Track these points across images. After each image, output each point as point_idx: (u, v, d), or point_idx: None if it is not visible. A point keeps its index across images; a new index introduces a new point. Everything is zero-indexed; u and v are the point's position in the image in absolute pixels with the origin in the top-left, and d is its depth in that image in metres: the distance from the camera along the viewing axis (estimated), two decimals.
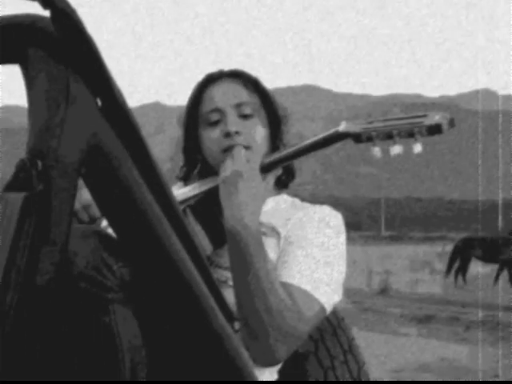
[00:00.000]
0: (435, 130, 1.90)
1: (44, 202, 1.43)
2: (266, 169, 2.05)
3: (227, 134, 2.11)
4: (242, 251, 1.91)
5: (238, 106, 2.14)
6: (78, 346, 1.68)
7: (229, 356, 1.68)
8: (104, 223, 2.08)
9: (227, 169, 2.00)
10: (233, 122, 2.11)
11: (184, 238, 1.63)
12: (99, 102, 1.52)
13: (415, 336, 12.03)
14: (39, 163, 1.43)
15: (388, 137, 1.94)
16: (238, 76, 2.19)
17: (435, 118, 1.89)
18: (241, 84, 2.17)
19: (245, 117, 2.14)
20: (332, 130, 2.02)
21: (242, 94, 2.15)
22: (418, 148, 1.93)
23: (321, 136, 2.05)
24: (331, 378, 2.23)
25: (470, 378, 8.65)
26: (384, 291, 17.28)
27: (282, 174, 2.29)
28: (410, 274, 20.16)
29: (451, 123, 1.91)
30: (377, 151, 1.96)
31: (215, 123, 2.14)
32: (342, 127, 1.99)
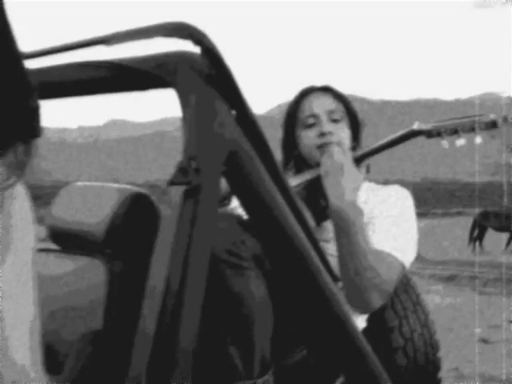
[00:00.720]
0: (492, 125, 1.95)
1: (198, 193, 1.47)
2: (357, 161, 2.09)
3: (322, 134, 2.15)
4: (345, 224, 1.94)
5: (330, 112, 2.18)
6: (220, 304, 1.72)
7: (335, 306, 1.70)
8: (232, 205, 2.12)
9: (328, 161, 2.03)
10: (326, 125, 2.15)
11: (298, 217, 1.66)
12: (235, 115, 1.55)
13: (442, 292, 11.88)
14: (193, 163, 1.47)
15: (454, 132, 1.97)
16: (327, 90, 2.23)
17: (491, 116, 1.93)
18: (331, 96, 2.21)
19: (334, 121, 2.18)
20: (407, 129, 2.06)
21: (332, 104, 2.19)
22: (478, 140, 1.98)
23: (398, 134, 2.08)
24: (405, 326, 2.24)
25: (488, 321, 8.63)
26: (416, 257, 17.10)
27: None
28: (435, 242, 19.87)
29: (505, 119, 1.95)
30: (444, 143, 2.00)
31: (311, 125, 2.18)
32: (416, 126, 2.03)
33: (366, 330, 2.08)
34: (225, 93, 1.52)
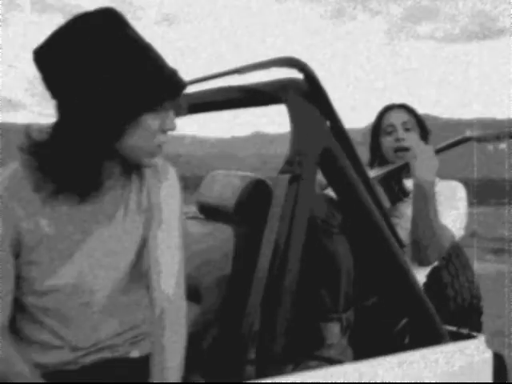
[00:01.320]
0: None
1: (299, 180, 1.49)
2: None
3: (397, 140, 2.11)
4: (424, 196, 1.95)
5: (404, 123, 2.13)
6: (315, 258, 1.72)
7: (399, 263, 1.70)
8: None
9: (418, 148, 2.00)
10: (400, 133, 2.11)
11: (374, 198, 1.65)
12: (329, 124, 1.55)
13: (493, 261, 11.26)
14: (297, 158, 1.48)
15: (497, 138, 1.89)
16: (402, 106, 2.18)
17: None
18: (405, 111, 2.17)
19: (407, 130, 2.13)
20: (462, 136, 2.00)
21: (406, 116, 2.15)
22: (502, 146, 1.92)
23: (455, 139, 2.02)
24: (455, 282, 2.19)
25: None
26: (473, 235, 16.31)
27: None
28: (488, 223, 18.75)
29: None
30: (490, 147, 1.92)
31: (390, 133, 2.14)
32: (468, 134, 1.97)
33: (425, 284, 2.07)
34: (321, 107, 1.54)
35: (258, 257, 1.47)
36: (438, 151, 2.07)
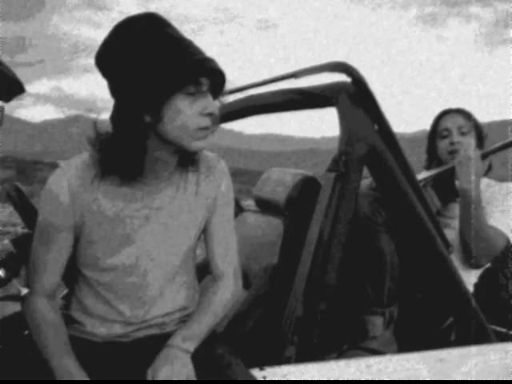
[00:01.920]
0: None
1: (345, 178, 1.57)
2: (483, 157, 2.05)
3: (452, 143, 2.14)
4: (469, 200, 1.98)
5: (459, 127, 2.16)
6: (360, 254, 1.80)
7: (445, 262, 1.73)
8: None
9: (462, 155, 2.03)
10: (455, 136, 2.14)
11: (420, 197, 1.70)
12: (376, 126, 1.63)
13: None
14: (343, 157, 1.57)
15: None
16: (459, 111, 2.21)
17: None
18: (461, 115, 2.19)
19: (463, 134, 2.15)
20: (509, 140, 2.01)
21: (462, 121, 2.17)
22: None
23: (502, 143, 2.04)
24: (510, 284, 2.17)
25: None
26: None
27: None
28: None
29: None
30: None
31: (445, 137, 2.18)
32: None
33: (476, 285, 2.06)
34: (368, 110, 1.61)
35: (303, 249, 1.59)
36: (486, 155, 2.08)
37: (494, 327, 1.92)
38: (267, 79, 1.90)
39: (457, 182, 1.97)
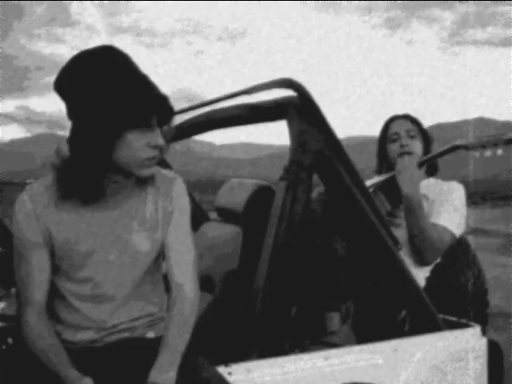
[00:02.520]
0: (509, 142, 2.00)
1: (295, 185, 1.71)
2: (420, 165, 2.20)
3: (401, 146, 2.30)
4: (412, 206, 2.15)
5: (408, 131, 2.32)
6: (315, 260, 1.93)
7: (395, 259, 1.87)
8: None
9: (400, 164, 2.19)
10: (404, 140, 2.30)
11: (368, 200, 1.84)
12: (321, 135, 1.76)
13: None
14: (293, 166, 1.71)
15: (483, 147, 2.05)
16: (407, 117, 2.38)
17: (509, 135, 2.00)
18: (409, 120, 2.36)
19: (411, 137, 2.31)
20: (452, 144, 2.17)
21: (410, 125, 2.34)
22: (499, 151, 2.04)
23: (445, 148, 2.20)
24: (462, 279, 2.37)
25: None
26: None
27: (430, 168, 2.43)
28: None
29: None
30: (477, 154, 2.08)
31: (395, 140, 2.33)
32: (458, 142, 2.13)
33: (428, 279, 2.22)
34: (314, 121, 1.74)
35: (261, 252, 1.72)
36: (429, 160, 2.25)
37: (445, 316, 2.07)
38: (222, 96, 2.03)
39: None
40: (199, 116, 2.16)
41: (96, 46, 1.43)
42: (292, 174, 1.73)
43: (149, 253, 1.52)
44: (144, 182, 1.53)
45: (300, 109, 1.75)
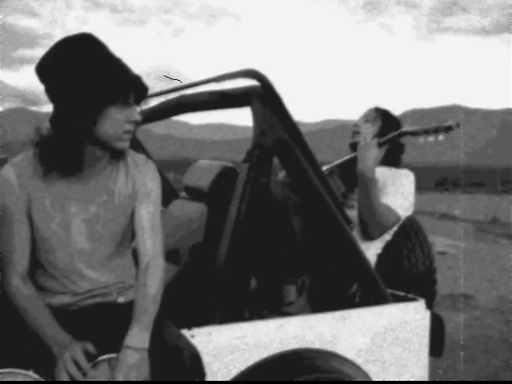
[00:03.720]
0: (448, 129, 2.20)
1: (257, 167, 1.87)
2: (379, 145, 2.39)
3: (355, 125, 2.55)
4: (364, 181, 2.34)
5: (365, 115, 2.55)
6: (274, 237, 2.11)
7: (347, 237, 2.06)
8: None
9: (361, 142, 2.40)
10: (359, 121, 2.54)
11: (323, 182, 2.01)
12: (281, 122, 1.93)
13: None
14: (255, 150, 1.87)
15: (426, 133, 2.24)
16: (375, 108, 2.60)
17: (448, 122, 2.20)
18: (374, 110, 2.59)
19: (367, 121, 2.61)
20: (399, 131, 2.35)
21: (368, 112, 2.55)
22: (440, 137, 2.25)
23: (393, 133, 2.38)
24: (412, 257, 2.55)
25: None
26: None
27: (394, 150, 2.62)
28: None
29: (457, 125, 2.21)
30: (421, 140, 2.28)
31: (355, 125, 2.55)
32: (405, 128, 2.32)
33: (380, 256, 2.41)
34: (275, 109, 1.90)
35: (224, 228, 1.89)
36: (382, 144, 2.43)
37: (393, 291, 2.27)
38: (192, 82, 2.19)
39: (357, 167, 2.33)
40: (171, 100, 2.32)
41: (76, 33, 1.61)
42: (254, 157, 1.89)
43: (120, 224, 1.69)
44: (117, 161, 1.69)
45: (263, 98, 1.91)
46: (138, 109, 1.64)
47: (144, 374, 1.51)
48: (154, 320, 1.60)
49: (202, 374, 1.63)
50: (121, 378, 1.47)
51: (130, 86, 1.58)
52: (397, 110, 2.60)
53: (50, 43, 1.78)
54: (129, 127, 1.60)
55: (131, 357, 1.50)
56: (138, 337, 1.55)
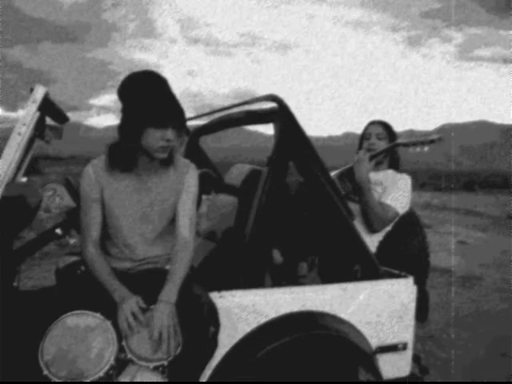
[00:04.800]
0: (432, 142, 2.68)
1: (274, 170, 2.43)
2: (371, 158, 2.91)
3: (370, 144, 3.10)
4: (362, 187, 2.89)
5: (377, 134, 3.09)
6: (290, 223, 2.66)
7: (348, 225, 2.59)
8: None
9: (357, 157, 2.92)
10: (373, 139, 3.06)
11: (329, 181, 2.54)
12: (294, 135, 2.47)
13: None
14: (274, 157, 2.43)
15: (414, 145, 2.73)
16: (380, 122, 3.14)
17: (432, 137, 2.68)
18: (381, 125, 3.13)
19: (379, 139, 3.06)
20: (394, 143, 2.85)
21: (380, 129, 3.11)
22: (426, 148, 2.72)
23: (390, 145, 2.88)
24: (409, 243, 3.01)
25: None
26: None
27: (395, 158, 3.14)
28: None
29: (439, 139, 2.68)
30: (410, 150, 2.77)
31: (368, 139, 3.12)
32: (398, 141, 2.82)
33: (381, 242, 2.92)
34: (292, 126, 2.45)
35: (249, 215, 2.46)
36: (375, 156, 2.94)
37: (389, 269, 2.78)
38: (227, 106, 2.79)
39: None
40: (221, 117, 2.96)
41: (143, 70, 2.17)
42: (273, 162, 2.45)
43: (169, 209, 2.27)
44: (167, 165, 2.28)
45: (281, 116, 2.47)
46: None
47: (173, 321, 2.01)
48: (182, 282, 2.12)
49: (217, 324, 2.16)
50: (157, 324, 1.98)
51: (166, 115, 2.08)
52: (432, 125, 3.19)
53: (159, 71, 2.34)
54: (163, 143, 2.11)
55: (164, 307, 2.03)
56: (169, 293, 2.07)
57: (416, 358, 2.85)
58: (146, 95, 2.07)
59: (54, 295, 2.11)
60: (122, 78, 2.16)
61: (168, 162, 2.26)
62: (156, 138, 2.10)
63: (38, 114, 2.09)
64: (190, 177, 2.31)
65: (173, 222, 2.32)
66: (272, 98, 2.47)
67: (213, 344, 2.12)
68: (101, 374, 1.87)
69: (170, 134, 2.12)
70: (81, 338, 1.92)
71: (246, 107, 2.69)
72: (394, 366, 2.69)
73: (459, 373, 4.05)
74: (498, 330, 5.25)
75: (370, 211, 2.83)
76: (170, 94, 2.14)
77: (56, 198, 2.33)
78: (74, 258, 2.60)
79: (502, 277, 7.75)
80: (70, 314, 1.96)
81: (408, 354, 2.72)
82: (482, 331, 5.21)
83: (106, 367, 1.88)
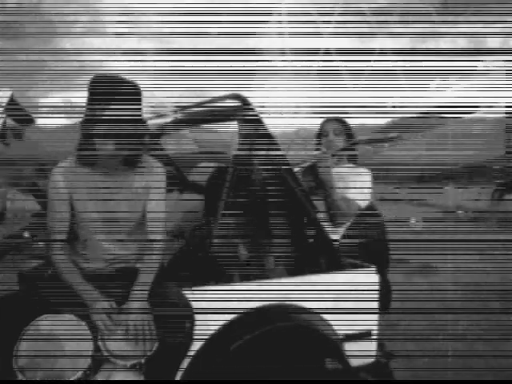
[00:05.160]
0: (390, 140, 2.78)
1: (238, 168, 2.48)
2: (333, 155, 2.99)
3: (328, 141, 3.11)
4: (326, 186, 2.96)
5: (334, 130, 3.16)
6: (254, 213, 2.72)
7: (314, 222, 2.66)
8: None
9: (319, 156, 2.98)
10: (331, 136, 3.12)
11: (293, 178, 2.61)
12: (257, 132, 2.53)
13: None
14: (238, 154, 2.48)
15: (373, 142, 2.83)
16: (336, 119, 3.18)
17: (390, 135, 2.78)
18: (337, 122, 3.17)
19: (336, 135, 3.13)
20: (352, 140, 2.98)
21: (336, 125, 3.16)
22: (386, 145, 2.81)
23: (351, 142, 2.99)
24: (369, 236, 3.11)
25: None
26: None
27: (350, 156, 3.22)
28: None
29: (398, 137, 2.78)
30: (368, 147, 2.86)
31: (326, 135, 3.16)
32: (360, 138, 2.92)
33: (345, 236, 3.01)
34: (253, 121, 2.50)
35: (216, 212, 2.51)
36: (334, 155, 3.03)
37: (352, 260, 2.88)
38: (194, 103, 2.83)
39: None
40: (185, 116, 2.98)
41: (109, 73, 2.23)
42: (236, 160, 2.51)
43: (137, 208, 2.31)
44: (133, 165, 2.30)
45: (243, 113, 2.53)
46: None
47: (147, 318, 2.08)
48: (153, 280, 2.22)
49: (192, 320, 2.23)
50: (132, 322, 2.06)
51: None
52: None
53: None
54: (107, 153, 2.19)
55: (137, 305, 2.11)
56: (141, 291, 2.16)
57: (380, 345, 2.96)
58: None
59: (23, 299, 2.12)
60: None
61: (134, 162, 2.29)
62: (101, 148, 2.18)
63: (1, 119, 2.11)
64: (156, 175, 2.35)
65: (141, 220, 2.37)
66: (236, 96, 2.52)
67: (188, 340, 2.17)
68: (78, 374, 1.89)
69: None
70: (56, 339, 1.93)
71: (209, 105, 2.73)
72: (360, 353, 2.80)
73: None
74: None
75: (333, 207, 2.91)
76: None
77: (7, 203, 2.33)
78: (38, 261, 2.60)
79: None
80: (43, 316, 1.97)
81: (372, 341, 2.83)
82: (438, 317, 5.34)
83: (84, 367, 1.90)
